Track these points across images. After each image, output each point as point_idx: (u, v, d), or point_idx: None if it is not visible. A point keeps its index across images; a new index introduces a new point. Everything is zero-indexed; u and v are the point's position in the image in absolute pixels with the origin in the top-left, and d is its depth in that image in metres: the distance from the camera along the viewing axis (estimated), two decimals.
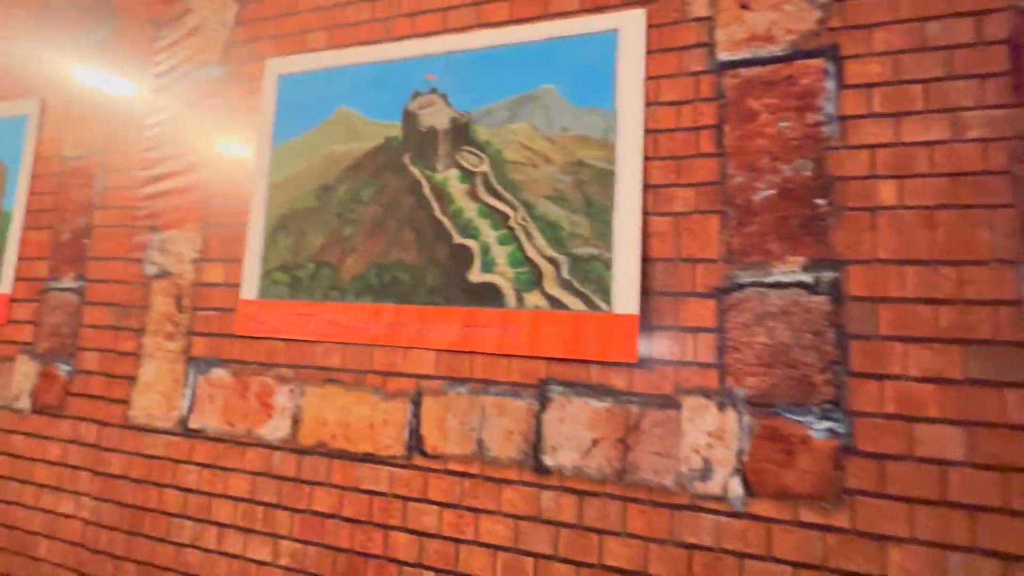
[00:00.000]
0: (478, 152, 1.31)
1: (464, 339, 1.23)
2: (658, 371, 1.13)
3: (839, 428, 1.00)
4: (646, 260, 1.16)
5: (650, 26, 1.24)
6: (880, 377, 1.02)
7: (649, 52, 1.23)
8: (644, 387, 1.13)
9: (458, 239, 1.28)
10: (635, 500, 1.11)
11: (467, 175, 1.30)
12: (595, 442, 1.15)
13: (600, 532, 1.12)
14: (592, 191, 1.24)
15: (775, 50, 1.16)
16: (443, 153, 1.33)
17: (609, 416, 1.14)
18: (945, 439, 0.98)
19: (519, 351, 1.19)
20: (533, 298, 1.21)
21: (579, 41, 1.30)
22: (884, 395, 1.02)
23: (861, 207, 1.07)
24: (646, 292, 1.15)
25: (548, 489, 1.15)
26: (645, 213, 1.18)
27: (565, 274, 1.21)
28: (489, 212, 1.28)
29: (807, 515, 1.01)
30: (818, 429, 1.00)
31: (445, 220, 1.30)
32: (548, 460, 1.16)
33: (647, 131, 1.20)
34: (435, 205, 1.33)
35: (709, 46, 1.19)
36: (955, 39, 1.04)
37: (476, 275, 1.26)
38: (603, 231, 1.21)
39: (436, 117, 1.35)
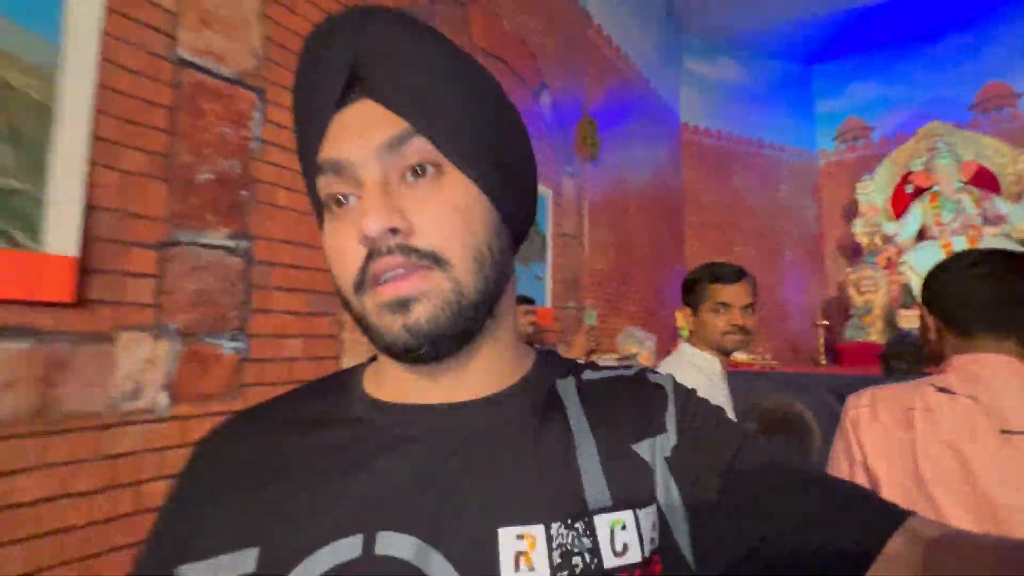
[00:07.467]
0: None
1: None
2: (96, 311, 1.18)
3: (241, 346, 1.50)
4: (91, 208, 1.17)
5: None
6: (268, 312, 1.58)
7: (111, 9, 1.22)
8: (79, 326, 1.15)
9: None
10: (56, 432, 1.11)
11: None
12: (8, 386, 1.05)
13: (8, 474, 1.05)
14: (20, 121, 1.08)
15: (224, 71, 1.49)
16: None
17: (29, 357, 1.08)
18: (295, 347, 1.64)
19: None
20: None
21: None
22: (268, 323, 1.58)
23: (268, 203, 1.59)
24: (89, 237, 1.16)
25: None
26: (93, 163, 1.18)
27: None
28: None
29: (215, 407, 1.43)
30: (228, 347, 1.47)
31: None
32: None
33: (100, 84, 1.20)
34: None
35: (172, 38, 1.35)
36: None
37: None
38: (34, 167, 1.09)
39: None
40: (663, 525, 0.34)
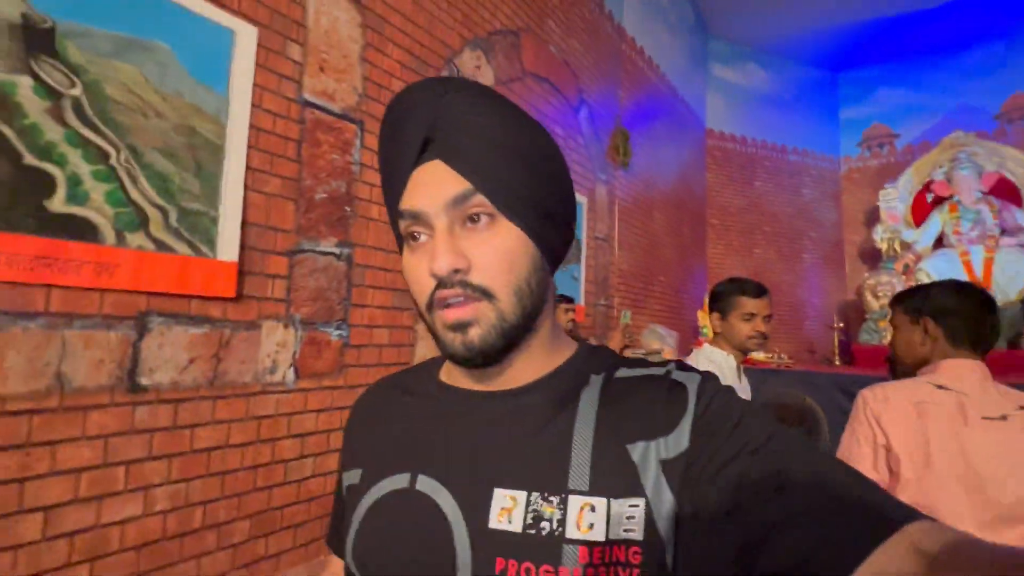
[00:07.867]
0: (67, 72, 1.15)
1: (36, 272, 1.09)
2: (247, 304, 1.52)
3: (344, 333, 1.84)
4: (244, 223, 1.50)
5: (260, 45, 1.55)
6: (363, 306, 1.91)
7: (258, 64, 1.55)
8: (237, 316, 1.49)
9: (31, 160, 1.10)
10: (222, 396, 1.45)
11: (49, 92, 1.13)
12: (192, 360, 1.38)
13: (192, 427, 1.38)
14: (203, 157, 1.38)
15: (334, 108, 1.83)
16: (7, 50, 1.08)
17: (206, 339, 1.42)
18: (383, 335, 1.97)
19: (116, 286, 1.22)
20: (137, 239, 1.25)
21: (200, 21, 1.38)
22: (363, 315, 1.90)
23: (363, 216, 1.92)
24: (243, 247, 1.49)
25: (143, 405, 1.29)
26: (246, 188, 1.51)
27: (173, 222, 1.31)
28: (82, 143, 1.17)
29: (326, 383, 1.76)
30: (335, 335, 1.80)
31: (9, 133, 1.08)
32: (145, 380, 1.29)
33: (251, 126, 1.52)
34: None
35: (298, 83, 1.70)
36: None
37: (59, 205, 1.13)
38: (211, 193, 1.40)
39: None
40: (649, 522, 0.37)
